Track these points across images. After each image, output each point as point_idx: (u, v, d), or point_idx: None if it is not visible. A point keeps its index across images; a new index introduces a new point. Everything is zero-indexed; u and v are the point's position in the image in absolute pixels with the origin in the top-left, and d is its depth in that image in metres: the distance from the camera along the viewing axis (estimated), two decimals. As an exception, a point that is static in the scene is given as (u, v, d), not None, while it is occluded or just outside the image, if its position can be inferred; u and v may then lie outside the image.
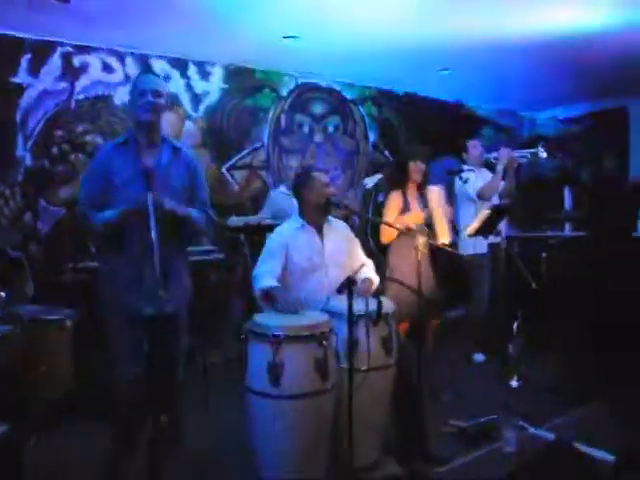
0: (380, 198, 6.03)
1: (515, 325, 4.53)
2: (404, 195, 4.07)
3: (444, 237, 3.94)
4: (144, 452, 2.66)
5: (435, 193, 4.06)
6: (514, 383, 4.30)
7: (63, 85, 4.87)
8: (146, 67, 5.22)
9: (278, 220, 4.05)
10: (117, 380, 2.72)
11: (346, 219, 3.70)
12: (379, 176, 6.19)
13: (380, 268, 3.57)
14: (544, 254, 4.61)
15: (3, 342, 3.12)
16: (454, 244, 4.36)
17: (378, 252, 5.61)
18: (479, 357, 4.94)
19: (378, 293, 2.90)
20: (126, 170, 2.64)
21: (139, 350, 2.53)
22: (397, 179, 4.15)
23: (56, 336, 3.52)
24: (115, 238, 2.67)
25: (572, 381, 4.18)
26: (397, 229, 3.71)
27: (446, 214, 4.14)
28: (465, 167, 4.88)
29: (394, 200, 4.09)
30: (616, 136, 7.05)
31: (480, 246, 4.58)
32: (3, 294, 3.54)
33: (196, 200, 2.84)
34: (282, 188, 5.23)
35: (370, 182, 6.19)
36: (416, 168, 4.06)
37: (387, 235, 4.02)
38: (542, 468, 2.06)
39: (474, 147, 5.09)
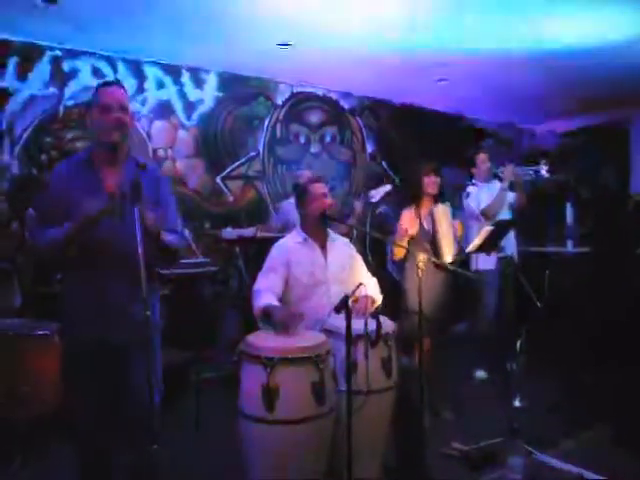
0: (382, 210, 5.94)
1: (519, 343, 4.42)
2: (418, 211, 3.97)
3: (448, 255, 3.83)
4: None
5: (439, 209, 3.94)
6: (517, 402, 4.19)
7: (52, 90, 4.75)
8: (138, 73, 5.11)
9: (286, 232, 3.92)
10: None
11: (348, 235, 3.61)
12: (386, 189, 6.05)
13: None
14: (547, 271, 4.49)
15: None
16: (464, 261, 4.22)
17: (376, 267, 5.56)
18: (480, 373, 4.82)
19: (377, 312, 2.75)
20: (87, 192, 2.32)
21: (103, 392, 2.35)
22: (411, 195, 4.05)
23: (42, 352, 3.37)
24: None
25: (577, 401, 4.05)
26: (402, 247, 3.61)
27: (454, 231, 4.01)
28: (473, 181, 4.81)
29: (405, 217, 4.00)
30: (616, 151, 6.98)
31: (489, 262, 4.49)
32: (-12, 306, 3.41)
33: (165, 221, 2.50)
34: (292, 199, 5.07)
35: (377, 195, 6.04)
36: (430, 182, 3.97)
37: (396, 252, 3.96)
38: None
39: (483, 162, 4.96)
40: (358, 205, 6.53)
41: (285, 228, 4.54)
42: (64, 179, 2.40)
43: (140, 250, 2.10)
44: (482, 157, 4.99)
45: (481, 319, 4.72)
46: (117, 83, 2.55)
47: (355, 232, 5.67)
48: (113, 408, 2.38)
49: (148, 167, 2.45)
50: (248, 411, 2.48)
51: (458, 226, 4.01)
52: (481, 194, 4.73)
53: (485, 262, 4.49)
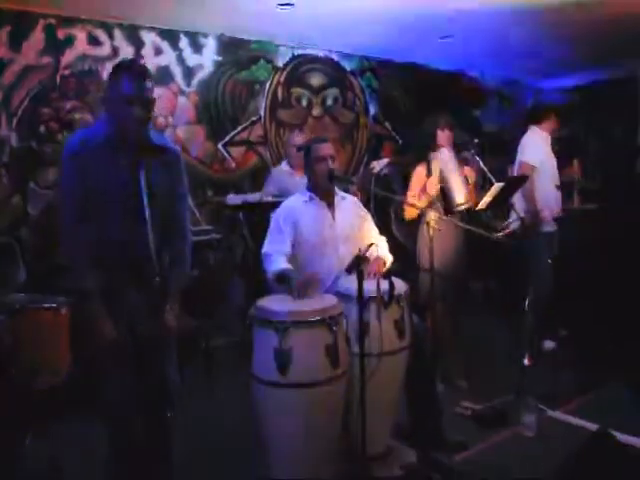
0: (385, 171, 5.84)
1: (526, 302, 4.40)
2: (428, 167, 3.84)
3: (459, 197, 3.66)
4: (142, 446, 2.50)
5: (445, 156, 3.78)
6: (526, 362, 4.18)
7: (47, 60, 4.62)
8: (135, 39, 5.00)
9: (281, 199, 3.83)
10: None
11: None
12: (386, 160, 5.92)
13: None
14: (555, 227, 4.43)
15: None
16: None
17: (381, 229, 5.50)
18: (548, 344, 4.57)
19: (389, 273, 2.72)
20: (108, 174, 2.28)
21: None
22: (423, 150, 3.91)
23: (51, 325, 3.38)
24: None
25: (587, 359, 4.04)
26: (414, 206, 3.56)
27: (468, 174, 3.85)
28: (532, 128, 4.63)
29: (418, 174, 3.89)
30: (625, 105, 6.85)
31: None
32: (-9, 281, 3.40)
33: (175, 211, 2.49)
34: (283, 165, 4.96)
35: (378, 166, 5.92)
36: (444, 136, 3.86)
37: (408, 212, 3.85)
38: (583, 462, 1.90)
39: (555, 122, 4.63)
40: (360, 168, 6.46)
41: (278, 196, 4.44)
42: (83, 162, 2.29)
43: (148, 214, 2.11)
44: (554, 116, 4.63)
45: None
46: (141, 68, 2.35)
47: (359, 194, 5.59)
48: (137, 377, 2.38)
49: (166, 148, 2.44)
50: (261, 375, 2.48)
51: (468, 172, 3.87)
52: (545, 146, 4.56)
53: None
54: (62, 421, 3.25)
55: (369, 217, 3.32)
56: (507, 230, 4.11)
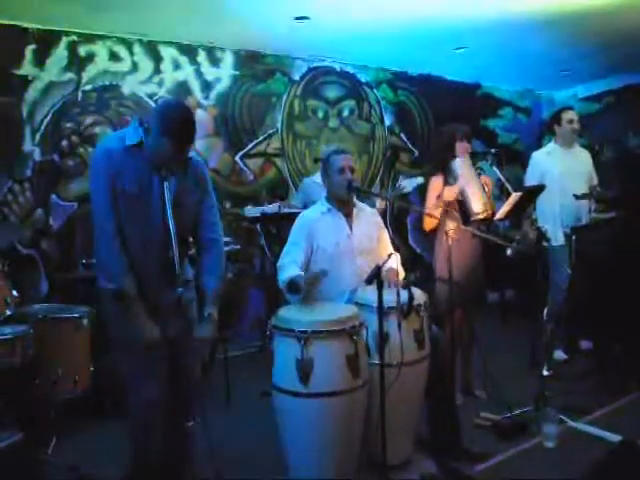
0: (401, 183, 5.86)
1: (545, 311, 4.38)
2: (445, 177, 3.79)
3: (477, 207, 3.62)
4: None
5: (465, 164, 3.74)
6: (545, 372, 4.15)
7: (70, 76, 4.74)
8: (154, 54, 5.09)
9: (299, 210, 3.87)
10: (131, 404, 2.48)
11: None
12: (418, 180, 5.85)
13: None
14: (573, 237, 4.41)
15: (18, 343, 3.02)
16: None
17: (398, 241, 5.50)
18: (559, 354, 4.55)
19: (409, 284, 2.73)
20: (138, 177, 2.31)
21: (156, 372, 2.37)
22: (440, 162, 3.85)
23: (72, 335, 3.43)
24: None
25: (605, 369, 4.00)
26: (434, 217, 3.55)
27: (485, 183, 3.79)
28: (553, 142, 4.63)
29: (435, 184, 3.83)
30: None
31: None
32: (15, 293, 3.43)
33: (204, 221, 2.53)
34: (316, 177, 4.99)
35: (409, 186, 5.87)
36: (462, 147, 3.80)
37: (428, 222, 3.80)
38: (608, 471, 1.89)
39: (570, 121, 4.52)
40: (376, 179, 6.50)
41: (307, 206, 4.48)
42: (116, 163, 2.30)
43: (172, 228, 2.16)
44: (570, 115, 4.54)
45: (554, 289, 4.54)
46: (192, 133, 2.31)
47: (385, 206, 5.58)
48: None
49: (193, 162, 2.47)
50: (282, 385, 2.50)
51: (486, 181, 3.81)
52: (559, 158, 4.53)
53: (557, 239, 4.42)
54: (83, 430, 3.30)
55: (385, 230, 3.33)
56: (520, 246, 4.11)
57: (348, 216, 3.12)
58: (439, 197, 3.71)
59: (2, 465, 2.44)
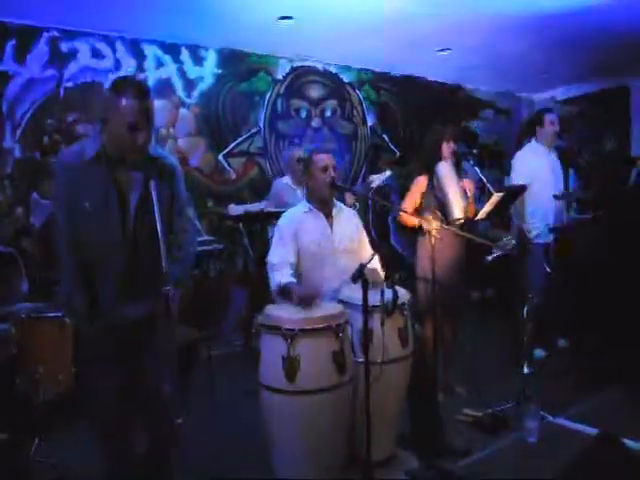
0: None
1: (525, 310, 4.44)
2: (431, 178, 3.83)
3: (457, 212, 3.70)
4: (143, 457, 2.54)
5: (444, 167, 3.78)
6: (526, 369, 4.22)
7: (51, 72, 4.70)
8: (137, 52, 5.07)
9: (282, 209, 3.88)
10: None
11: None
12: (386, 175, 5.92)
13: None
14: (553, 236, 4.48)
15: (-1, 341, 3.00)
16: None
17: (380, 240, 5.54)
18: (539, 353, 4.57)
19: (394, 283, 2.76)
20: (96, 191, 2.23)
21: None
22: (426, 162, 3.89)
23: (55, 334, 3.39)
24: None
25: (586, 365, 4.08)
26: (413, 215, 3.60)
27: (467, 186, 3.86)
28: (532, 141, 4.67)
29: (419, 185, 3.87)
30: (617, 116, 6.95)
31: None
32: (-5, 291, 3.41)
33: (177, 216, 2.44)
34: (286, 179, 5.00)
35: (377, 180, 5.91)
36: (448, 148, 3.85)
37: (405, 218, 3.85)
38: (587, 465, 1.94)
39: (552, 123, 4.55)
40: (359, 179, 6.54)
41: (279, 206, 4.48)
42: (74, 177, 2.24)
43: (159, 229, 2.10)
44: (552, 117, 4.58)
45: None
46: (146, 89, 2.20)
47: (358, 204, 5.64)
48: (135, 386, 2.39)
49: (163, 161, 2.39)
50: (269, 382, 2.51)
51: (467, 185, 3.88)
52: (537, 159, 4.57)
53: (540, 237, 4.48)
54: (65, 431, 3.27)
55: (363, 230, 3.35)
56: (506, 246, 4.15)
57: (328, 216, 3.14)
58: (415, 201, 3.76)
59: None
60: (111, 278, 2.32)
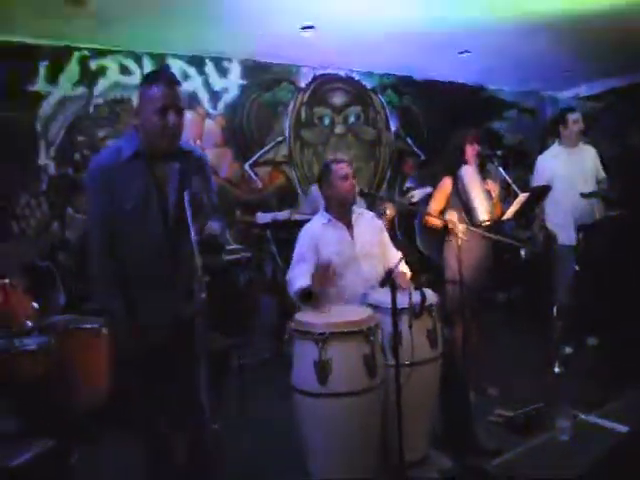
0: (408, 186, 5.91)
1: (555, 309, 4.44)
2: (455, 181, 3.86)
3: (482, 215, 3.70)
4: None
5: (468, 171, 3.81)
6: (556, 369, 4.21)
7: (81, 90, 4.86)
8: (163, 66, 5.20)
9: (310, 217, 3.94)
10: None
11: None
12: (427, 191, 5.89)
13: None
14: (580, 234, 4.46)
15: (41, 353, 3.10)
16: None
17: (406, 243, 5.55)
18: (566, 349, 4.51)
19: (421, 285, 2.80)
20: (137, 190, 2.27)
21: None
22: (450, 165, 3.92)
23: (92, 345, 3.50)
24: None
25: (615, 363, 4.05)
26: (437, 220, 3.62)
27: (491, 188, 3.88)
28: (556, 143, 4.68)
29: (443, 188, 3.90)
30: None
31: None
32: (36, 304, 3.52)
33: (207, 206, 2.42)
34: None
35: (417, 195, 5.87)
36: (473, 151, 3.89)
37: (430, 221, 3.90)
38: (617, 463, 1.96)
39: (575, 122, 4.55)
40: (384, 184, 6.58)
41: (315, 212, 4.54)
42: (111, 181, 2.26)
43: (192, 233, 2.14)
44: (575, 116, 4.57)
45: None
46: (171, 75, 2.30)
47: (392, 211, 5.63)
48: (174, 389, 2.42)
49: (194, 154, 2.44)
50: (301, 386, 2.57)
51: (491, 186, 3.89)
52: (565, 159, 4.57)
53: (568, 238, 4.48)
54: (105, 439, 3.32)
55: (385, 231, 3.38)
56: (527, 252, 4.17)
57: (348, 224, 3.17)
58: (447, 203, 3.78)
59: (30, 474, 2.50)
60: (150, 279, 2.33)
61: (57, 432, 3.03)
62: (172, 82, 2.24)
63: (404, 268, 3.18)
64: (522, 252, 3.94)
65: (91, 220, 2.37)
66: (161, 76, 2.27)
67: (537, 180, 4.62)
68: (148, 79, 2.28)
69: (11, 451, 2.51)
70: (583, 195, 4.48)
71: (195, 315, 2.18)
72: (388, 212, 4.59)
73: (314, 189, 5.17)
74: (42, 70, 4.65)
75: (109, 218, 2.27)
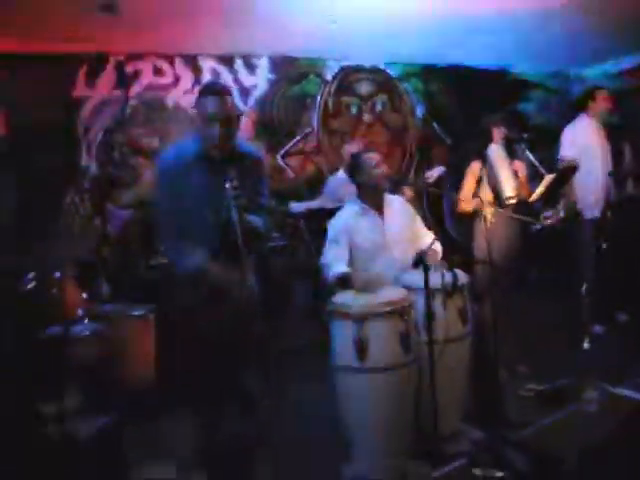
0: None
1: (584, 287, 4.50)
2: (484, 163, 3.91)
3: (508, 191, 3.73)
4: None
5: (493, 150, 3.85)
6: (585, 345, 4.30)
7: (118, 93, 5.09)
8: (194, 67, 5.41)
9: (340, 204, 4.07)
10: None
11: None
12: (440, 170, 6.00)
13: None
14: (609, 213, 4.48)
15: (94, 339, 3.32)
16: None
17: (434, 226, 5.64)
18: (597, 329, 4.57)
19: (453, 266, 2.94)
20: (195, 189, 2.43)
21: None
22: (478, 149, 3.98)
23: (141, 330, 3.72)
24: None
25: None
26: (468, 205, 3.73)
27: (518, 168, 3.94)
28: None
29: (472, 171, 3.98)
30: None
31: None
32: (85, 295, 3.73)
33: (259, 199, 2.62)
34: (340, 173, 5.21)
35: (431, 176, 5.91)
36: (500, 134, 3.95)
37: (463, 207, 3.96)
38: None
39: (604, 99, 4.55)
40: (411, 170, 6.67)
41: (335, 203, 4.63)
42: (173, 172, 2.45)
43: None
44: (604, 93, 4.59)
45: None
46: (220, 87, 2.50)
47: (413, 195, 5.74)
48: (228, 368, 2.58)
49: (251, 155, 2.60)
50: (341, 363, 2.75)
51: (518, 166, 3.94)
52: (586, 133, 4.55)
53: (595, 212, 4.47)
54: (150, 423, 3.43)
55: (416, 213, 3.50)
56: (551, 219, 4.22)
57: (380, 211, 3.30)
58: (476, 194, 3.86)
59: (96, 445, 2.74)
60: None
61: (116, 408, 3.24)
62: (219, 93, 2.41)
63: (437, 247, 3.26)
64: (536, 226, 3.99)
65: (158, 209, 2.58)
66: (209, 87, 2.49)
67: (568, 150, 4.53)
68: (200, 91, 2.48)
69: (79, 425, 2.75)
70: (610, 173, 4.52)
71: (247, 300, 2.42)
72: (406, 194, 4.70)
73: (331, 179, 5.31)
74: (82, 75, 4.91)
75: (171, 211, 2.47)
